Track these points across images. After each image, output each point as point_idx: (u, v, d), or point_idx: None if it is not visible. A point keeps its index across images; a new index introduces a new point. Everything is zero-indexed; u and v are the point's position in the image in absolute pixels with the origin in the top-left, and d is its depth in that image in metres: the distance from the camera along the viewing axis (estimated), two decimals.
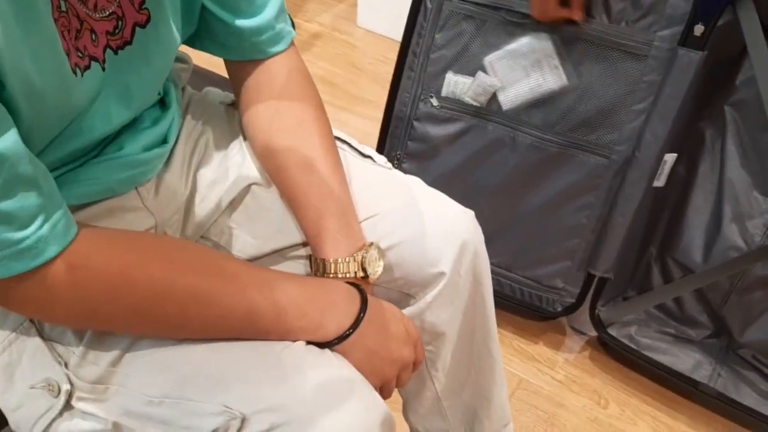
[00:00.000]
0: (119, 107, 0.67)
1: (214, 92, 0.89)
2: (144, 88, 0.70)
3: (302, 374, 0.62)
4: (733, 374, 1.34)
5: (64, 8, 0.57)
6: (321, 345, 0.66)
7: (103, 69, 0.63)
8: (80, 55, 0.60)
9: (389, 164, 0.87)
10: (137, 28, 0.66)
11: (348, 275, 0.73)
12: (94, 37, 0.62)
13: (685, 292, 1.37)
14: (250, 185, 0.80)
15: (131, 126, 0.73)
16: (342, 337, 0.67)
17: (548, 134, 1.25)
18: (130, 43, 0.66)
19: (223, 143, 0.83)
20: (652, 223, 1.36)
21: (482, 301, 0.87)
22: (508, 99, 1.24)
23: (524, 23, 1.18)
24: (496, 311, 0.90)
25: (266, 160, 0.79)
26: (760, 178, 1.22)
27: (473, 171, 1.33)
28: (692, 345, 1.38)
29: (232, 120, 0.85)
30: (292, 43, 0.81)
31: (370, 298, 0.70)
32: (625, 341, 1.39)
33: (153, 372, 0.63)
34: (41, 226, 0.54)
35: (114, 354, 0.64)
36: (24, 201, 0.53)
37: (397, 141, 1.37)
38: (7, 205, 0.52)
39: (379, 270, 0.75)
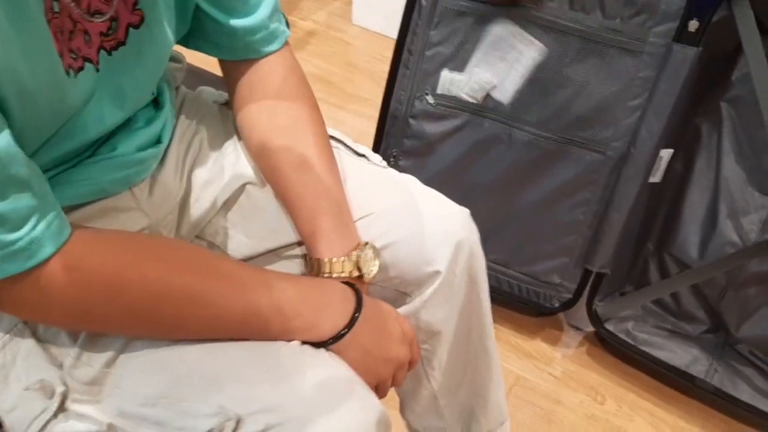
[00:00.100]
0: (113, 108, 0.67)
1: (208, 91, 0.89)
2: (138, 88, 0.70)
3: (297, 374, 0.62)
4: (729, 369, 1.34)
5: (57, 9, 0.57)
6: (316, 345, 0.66)
7: (97, 70, 0.63)
8: (73, 56, 0.60)
9: (384, 163, 0.87)
10: (131, 29, 0.66)
11: (343, 275, 0.73)
12: (87, 38, 0.62)
13: (681, 287, 1.38)
14: (244, 185, 0.80)
15: (125, 126, 0.73)
16: (337, 337, 0.66)
17: (544, 131, 1.25)
18: (123, 43, 0.66)
19: (217, 143, 0.82)
20: (648, 218, 1.37)
21: (478, 300, 0.87)
22: (505, 94, 1.24)
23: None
24: (493, 308, 0.90)
25: (261, 159, 0.79)
26: (756, 174, 1.22)
27: (470, 168, 1.33)
28: (689, 340, 1.39)
29: (226, 119, 0.84)
30: (286, 43, 0.81)
31: (365, 297, 0.70)
32: (623, 336, 1.39)
33: (147, 373, 0.63)
34: (34, 227, 0.54)
35: (108, 355, 0.64)
36: (17, 202, 0.53)
37: (394, 139, 1.37)
38: (0, 206, 0.52)
39: (375, 269, 0.75)
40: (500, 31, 1.20)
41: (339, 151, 0.84)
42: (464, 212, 0.84)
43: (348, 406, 0.61)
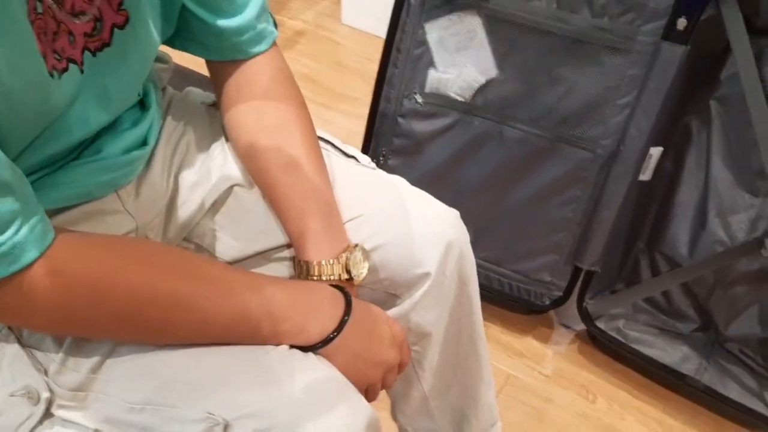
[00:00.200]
0: (97, 109, 0.66)
1: (195, 92, 0.88)
2: (123, 89, 0.69)
3: (285, 379, 0.62)
4: (719, 368, 1.35)
5: (40, 10, 0.56)
6: (305, 349, 0.65)
7: (81, 71, 0.62)
8: (57, 57, 0.59)
9: (373, 164, 0.86)
10: (115, 30, 0.65)
11: (332, 277, 0.72)
12: (71, 38, 0.61)
13: (671, 285, 1.38)
14: (232, 186, 0.80)
15: (110, 128, 0.72)
16: (326, 341, 0.66)
17: (534, 128, 1.25)
18: (108, 44, 0.65)
19: (204, 144, 0.82)
20: (639, 216, 1.37)
21: (468, 301, 0.87)
22: (489, 72, 1.23)
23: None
24: (483, 306, 0.90)
25: (248, 160, 0.78)
26: (745, 174, 1.23)
27: (460, 166, 1.33)
28: (680, 338, 1.39)
29: (213, 121, 0.84)
30: (274, 43, 0.80)
31: (354, 300, 0.70)
32: (613, 334, 1.39)
33: (134, 378, 0.63)
34: (17, 231, 0.53)
35: (94, 360, 0.63)
36: None
37: (383, 138, 1.36)
38: None
39: (364, 272, 0.74)
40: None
41: (328, 153, 0.83)
42: (454, 213, 0.84)
43: (337, 409, 0.61)
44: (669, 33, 1.11)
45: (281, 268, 0.80)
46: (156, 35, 0.71)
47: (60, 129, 0.63)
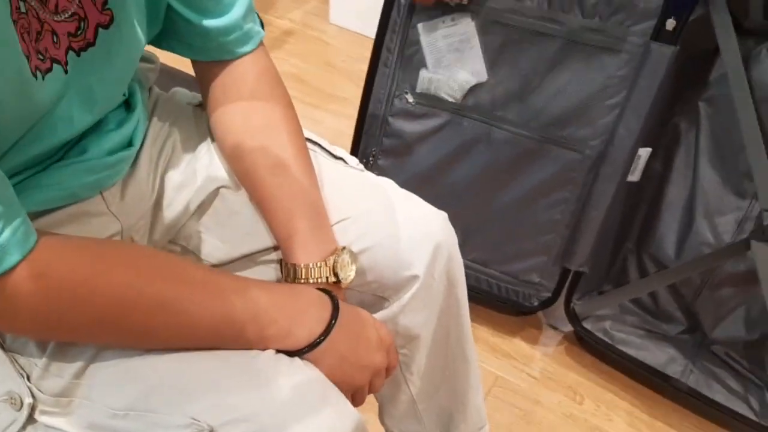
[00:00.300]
0: (82, 110, 0.66)
1: (181, 93, 0.87)
2: (108, 90, 0.68)
3: (272, 383, 0.61)
4: (705, 370, 1.35)
5: (23, 10, 0.56)
6: (291, 353, 0.65)
7: (66, 71, 0.62)
8: (41, 57, 0.58)
9: (361, 166, 0.86)
10: (100, 29, 0.64)
11: (320, 280, 0.72)
12: (55, 38, 0.60)
13: (657, 287, 1.38)
14: (218, 188, 0.79)
15: (95, 129, 0.71)
16: (313, 345, 0.65)
17: (523, 129, 1.25)
18: (93, 44, 0.64)
19: (190, 145, 0.81)
20: (628, 217, 1.37)
21: (456, 304, 0.86)
22: (480, 75, 1.23)
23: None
24: (471, 307, 0.90)
25: (235, 162, 0.78)
26: (732, 175, 1.23)
27: (449, 167, 1.33)
28: (666, 340, 1.40)
29: (199, 121, 0.83)
30: (260, 43, 0.80)
31: (341, 304, 0.69)
32: (600, 335, 1.40)
33: (118, 383, 0.62)
34: None
35: (78, 365, 0.62)
36: None
37: (373, 138, 1.36)
38: None
39: (352, 275, 0.73)
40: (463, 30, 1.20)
41: (316, 154, 0.83)
42: (442, 215, 0.83)
43: (323, 413, 0.60)
44: (658, 33, 1.11)
45: (268, 271, 0.79)
46: (141, 35, 0.70)
47: (44, 130, 0.62)
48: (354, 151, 1.39)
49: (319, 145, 0.85)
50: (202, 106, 0.84)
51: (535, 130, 1.24)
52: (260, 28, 0.80)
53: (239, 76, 0.78)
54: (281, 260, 0.76)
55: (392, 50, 1.27)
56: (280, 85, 0.81)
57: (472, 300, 0.90)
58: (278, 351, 0.64)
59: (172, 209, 0.78)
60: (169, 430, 0.59)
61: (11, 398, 0.62)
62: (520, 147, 1.26)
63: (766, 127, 1.11)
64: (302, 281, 0.72)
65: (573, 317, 1.40)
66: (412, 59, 1.26)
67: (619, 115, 1.19)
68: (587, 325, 1.40)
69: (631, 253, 1.41)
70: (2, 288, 0.54)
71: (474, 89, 1.25)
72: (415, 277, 0.80)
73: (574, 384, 1.41)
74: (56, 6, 0.59)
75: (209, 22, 0.74)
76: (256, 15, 0.79)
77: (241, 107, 0.77)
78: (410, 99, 1.29)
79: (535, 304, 1.41)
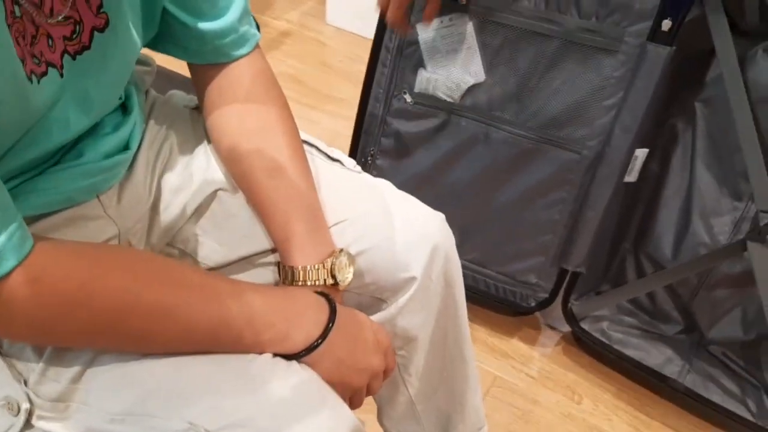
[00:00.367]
0: (78, 113, 0.66)
1: (178, 95, 0.87)
2: (104, 93, 0.68)
3: (268, 387, 0.61)
4: (702, 371, 1.35)
5: (18, 14, 0.55)
6: (288, 357, 0.65)
7: (61, 75, 0.62)
8: (36, 61, 0.58)
9: (358, 168, 0.86)
10: (95, 33, 0.64)
11: (317, 283, 0.72)
12: (50, 42, 0.60)
13: (654, 287, 1.38)
14: (216, 191, 0.79)
15: (91, 132, 0.71)
16: (310, 348, 0.65)
17: (521, 130, 1.25)
18: (88, 48, 0.64)
19: (187, 148, 0.81)
20: (625, 218, 1.37)
21: (454, 305, 0.86)
22: (479, 76, 1.23)
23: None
24: (469, 308, 0.90)
25: (232, 164, 0.78)
26: (729, 176, 1.23)
27: (447, 167, 1.33)
28: (664, 340, 1.40)
29: (196, 124, 0.83)
30: (256, 46, 0.79)
31: (338, 307, 0.69)
32: (597, 335, 1.40)
33: (115, 388, 0.62)
34: None
35: (75, 370, 0.62)
36: None
37: (371, 138, 1.36)
38: None
39: (349, 277, 0.73)
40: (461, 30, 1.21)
41: (312, 156, 0.83)
42: (439, 217, 0.83)
43: (320, 416, 0.60)
44: (654, 34, 1.11)
45: (266, 273, 0.79)
46: (137, 38, 0.70)
47: (40, 134, 0.62)
48: (353, 151, 1.39)
49: (316, 147, 0.85)
50: (198, 109, 0.84)
51: (532, 131, 1.24)
52: (256, 31, 0.80)
53: (235, 79, 0.78)
54: (279, 263, 0.76)
55: (391, 50, 1.27)
56: (276, 88, 0.81)
57: (469, 300, 0.90)
58: (275, 354, 0.64)
59: (169, 212, 0.78)
60: None
61: (8, 403, 0.62)
62: (517, 147, 1.26)
63: (762, 128, 1.11)
64: (300, 284, 0.72)
65: (570, 318, 1.40)
66: (411, 59, 1.26)
67: (616, 116, 1.19)
68: (585, 325, 1.40)
69: (629, 253, 1.41)
70: None
71: (472, 89, 1.25)
72: (412, 279, 0.79)
73: (573, 384, 1.41)
74: (51, 10, 0.59)
75: (205, 25, 0.74)
76: (251, 17, 0.79)
77: (237, 110, 0.77)
78: (408, 99, 1.29)
79: (533, 304, 1.41)
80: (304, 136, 0.83)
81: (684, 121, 1.26)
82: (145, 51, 0.77)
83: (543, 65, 1.19)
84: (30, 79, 0.57)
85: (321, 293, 0.70)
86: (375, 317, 0.81)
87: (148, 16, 0.72)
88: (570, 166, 1.25)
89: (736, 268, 1.25)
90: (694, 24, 1.10)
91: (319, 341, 0.66)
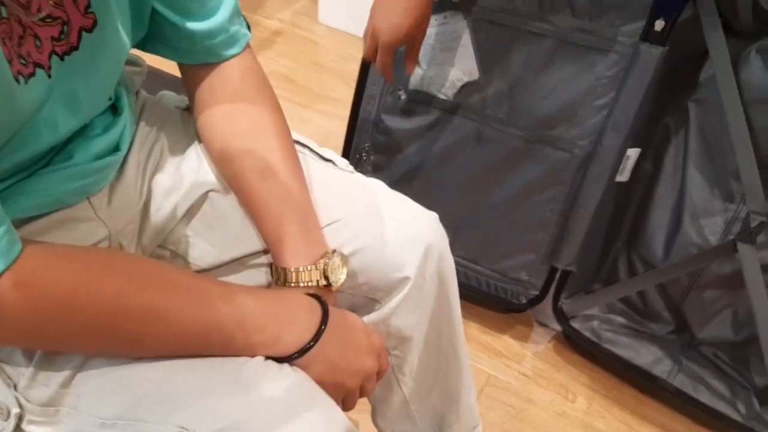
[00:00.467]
0: (66, 115, 0.65)
1: (169, 96, 0.86)
2: (92, 94, 0.68)
3: (260, 390, 0.60)
4: (691, 371, 1.35)
5: (4, 14, 0.55)
6: (280, 359, 0.64)
7: (49, 76, 0.61)
8: (23, 62, 0.57)
9: (351, 168, 0.85)
10: (83, 33, 0.64)
11: (310, 284, 0.71)
12: (38, 43, 0.59)
13: (644, 287, 1.38)
14: (207, 192, 0.78)
15: (81, 134, 0.70)
16: (302, 351, 0.65)
17: (514, 128, 1.25)
18: (76, 48, 0.63)
19: (178, 149, 0.80)
20: (618, 217, 1.37)
21: (448, 304, 0.86)
22: (472, 74, 1.23)
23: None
24: (462, 305, 0.90)
25: (223, 165, 0.77)
26: (721, 176, 1.23)
27: (440, 164, 1.33)
28: (654, 340, 1.39)
29: (187, 125, 0.82)
30: (247, 46, 0.79)
31: (331, 308, 0.69)
32: (587, 334, 1.40)
33: (106, 393, 0.61)
34: None
35: (65, 374, 0.62)
36: None
37: (366, 135, 1.36)
38: None
39: (342, 278, 0.73)
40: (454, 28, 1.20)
41: (305, 156, 0.82)
42: (433, 216, 0.83)
43: (312, 419, 0.60)
44: (647, 34, 1.11)
45: (258, 275, 0.79)
46: (126, 38, 0.69)
47: (28, 135, 0.61)
48: (346, 148, 1.39)
49: (308, 147, 0.84)
50: (189, 110, 0.83)
51: (524, 129, 1.24)
52: (246, 31, 0.79)
53: (225, 79, 0.77)
54: (271, 264, 0.75)
55: None
56: (267, 88, 0.80)
57: (461, 297, 0.89)
58: (267, 357, 0.64)
59: (160, 214, 0.77)
60: None
61: None
62: (510, 146, 1.26)
63: (754, 128, 1.11)
64: (293, 285, 0.71)
65: (561, 316, 1.40)
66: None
67: (608, 116, 1.19)
68: (575, 324, 1.40)
69: (621, 253, 1.40)
70: None
71: (466, 88, 1.25)
72: (406, 279, 0.79)
73: (566, 382, 1.41)
74: (39, 10, 0.59)
75: (194, 25, 0.73)
76: (242, 17, 0.79)
77: (227, 110, 0.77)
78: (402, 96, 1.29)
79: (524, 301, 1.41)
80: (296, 136, 0.82)
81: (677, 121, 1.26)
82: (135, 51, 0.77)
83: (536, 64, 1.19)
84: (17, 80, 0.56)
85: (313, 295, 0.70)
86: (369, 317, 0.81)
87: (137, 16, 0.71)
88: (561, 165, 1.25)
89: (727, 269, 1.25)
90: (687, 24, 1.10)
91: (312, 344, 0.65)
